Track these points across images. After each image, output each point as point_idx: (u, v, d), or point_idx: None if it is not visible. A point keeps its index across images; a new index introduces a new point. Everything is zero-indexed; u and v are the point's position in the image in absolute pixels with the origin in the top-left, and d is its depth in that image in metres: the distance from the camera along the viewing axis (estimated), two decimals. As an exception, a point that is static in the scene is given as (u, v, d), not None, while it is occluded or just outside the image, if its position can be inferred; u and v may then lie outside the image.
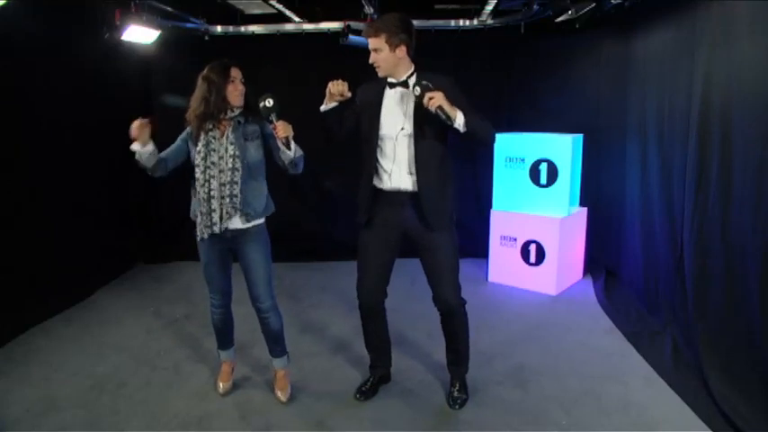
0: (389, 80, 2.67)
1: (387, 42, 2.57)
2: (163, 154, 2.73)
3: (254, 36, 5.13)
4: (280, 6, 4.51)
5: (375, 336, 3.04)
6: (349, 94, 2.60)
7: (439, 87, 2.48)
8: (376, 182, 2.75)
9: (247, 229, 2.77)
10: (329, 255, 5.47)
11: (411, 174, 2.67)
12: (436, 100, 2.43)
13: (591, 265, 5.04)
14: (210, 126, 2.69)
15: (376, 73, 2.67)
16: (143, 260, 5.49)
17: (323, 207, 5.73)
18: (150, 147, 2.63)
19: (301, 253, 5.45)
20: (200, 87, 2.68)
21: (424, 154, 2.64)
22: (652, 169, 3.98)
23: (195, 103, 2.69)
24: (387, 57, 2.60)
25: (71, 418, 2.86)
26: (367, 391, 3.04)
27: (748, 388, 2.68)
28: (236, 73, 2.68)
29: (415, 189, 2.67)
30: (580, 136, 4.77)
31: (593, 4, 3.93)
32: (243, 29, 5.09)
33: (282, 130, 2.57)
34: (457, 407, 2.91)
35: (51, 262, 4.21)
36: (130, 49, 4.73)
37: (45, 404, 2.98)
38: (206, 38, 5.11)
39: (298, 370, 3.22)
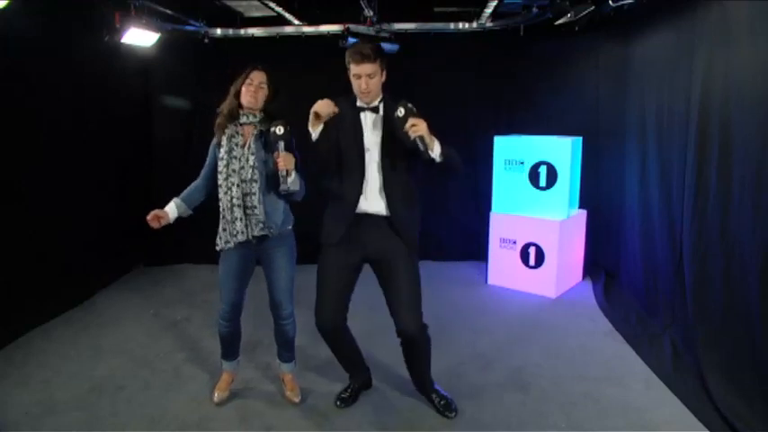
0: (359, 104, 2.63)
1: (380, 67, 2.56)
2: (203, 173, 2.82)
3: (253, 39, 5.14)
4: (279, 9, 4.52)
5: (344, 353, 2.98)
6: (337, 110, 2.52)
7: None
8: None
9: (275, 234, 2.75)
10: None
11: (382, 197, 2.62)
12: (419, 128, 2.38)
13: (590, 268, 5.04)
14: (234, 132, 2.69)
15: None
16: (143, 262, 5.48)
17: (321, 209, 5.73)
18: (175, 212, 2.78)
19: (300, 254, 5.44)
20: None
21: (393, 178, 2.61)
22: (651, 171, 3.98)
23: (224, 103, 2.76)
24: (377, 82, 2.57)
25: (70, 420, 2.86)
26: (347, 399, 3.01)
27: (748, 390, 2.67)
28: (255, 75, 2.68)
29: (387, 213, 2.63)
30: (579, 138, 4.78)
31: (593, 7, 3.93)
32: (242, 31, 5.10)
33: (283, 162, 2.56)
34: (453, 414, 2.86)
35: (51, 264, 4.21)
36: (130, 51, 4.74)
37: (44, 407, 2.97)
38: (205, 41, 5.11)
39: (297, 372, 3.21)
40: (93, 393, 3.12)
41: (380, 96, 2.64)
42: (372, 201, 2.64)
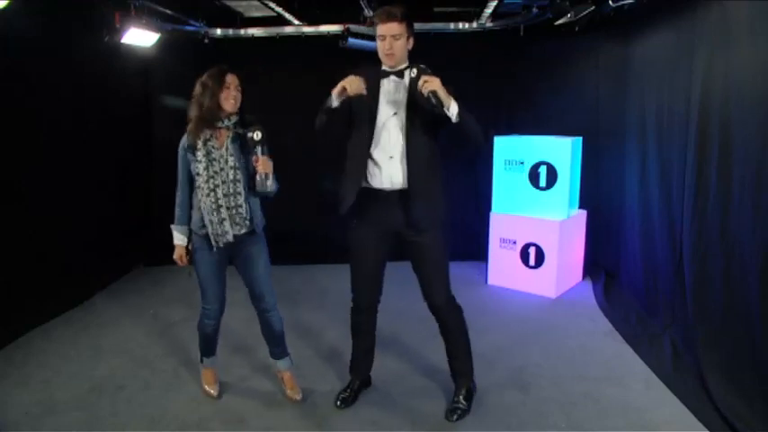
0: (384, 69, 2.62)
1: (407, 30, 2.55)
2: (181, 185, 2.83)
3: (253, 39, 5.13)
4: (279, 9, 4.52)
5: (365, 337, 3.00)
6: (365, 92, 2.53)
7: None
8: (367, 177, 2.66)
9: (251, 232, 2.79)
10: (328, 257, 5.46)
11: (402, 168, 2.60)
12: (431, 84, 2.39)
13: (590, 268, 5.04)
14: (209, 135, 2.69)
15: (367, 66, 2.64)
16: (143, 262, 5.48)
17: (321, 208, 5.72)
18: (184, 240, 2.93)
19: (300, 255, 5.45)
20: (196, 92, 2.70)
21: (415, 147, 2.59)
22: (651, 171, 3.98)
23: (192, 107, 2.71)
24: (403, 45, 2.57)
25: (70, 420, 2.86)
26: (347, 398, 2.98)
27: (748, 390, 2.67)
28: (231, 79, 2.67)
29: (405, 186, 2.61)
30: (579, 139, 4.77)
31: (593, 7, 3.93)
32: (242, 32, 5.10)
33: (263, 166, 2.61)
34: (455, 418, 2.82)
35: (51, 264, 4.21)
36: (130, 51, 4.74)
37: (44, 407, 2.97)
38: (205, 41, 5.12)
39: (297, 372, 3.21)
40: (93, 393, 3.12)
41: (406, 63, 2.63)
42: (392, 171, 2.61)
